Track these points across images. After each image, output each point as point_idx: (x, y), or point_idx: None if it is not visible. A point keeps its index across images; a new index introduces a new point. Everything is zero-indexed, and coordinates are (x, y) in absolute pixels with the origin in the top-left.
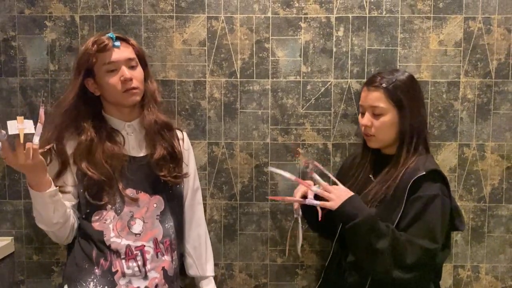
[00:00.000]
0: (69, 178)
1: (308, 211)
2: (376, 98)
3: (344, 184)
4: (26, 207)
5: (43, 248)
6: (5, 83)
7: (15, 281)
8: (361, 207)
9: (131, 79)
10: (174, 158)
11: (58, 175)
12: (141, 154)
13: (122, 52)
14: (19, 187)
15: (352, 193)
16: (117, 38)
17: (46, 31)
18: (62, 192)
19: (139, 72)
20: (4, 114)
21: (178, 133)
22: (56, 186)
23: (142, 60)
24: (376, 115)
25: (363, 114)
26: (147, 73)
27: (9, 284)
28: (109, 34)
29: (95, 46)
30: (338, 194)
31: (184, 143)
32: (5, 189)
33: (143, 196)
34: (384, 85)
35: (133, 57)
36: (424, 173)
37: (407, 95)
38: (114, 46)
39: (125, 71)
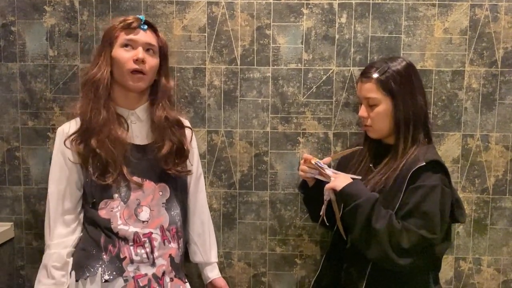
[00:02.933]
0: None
1: (310, 202)
2: (368, 89)
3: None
4: (26, 193)
5: (43, 234)
6: (5, 68)
7: (15, 267)
8: (364, 189)
9: (143, 62)
10: (181, 155)
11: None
12: (145, 143)
13: (145, 36)
14: (19, 173)
15: (355, 177)
16: (147, 23)
17: (46, 16)
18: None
19: (154, 61)
20: (3, 100)
21: (187, 130)
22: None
23: (163, 54)
24: (371, 106)
25: (361, 105)
26: (166, 70)
27: (9, 269)
28: (140, 16)
29: (122, 23)
30: (343, 177)
31: (192, 141)
32: (4, 175)
33: (148, 184)
34: (375, 75)
35: (154, 44)
36: (424, 163)
37: (400, 85)
38: (140, 27)
39: (141, 52)
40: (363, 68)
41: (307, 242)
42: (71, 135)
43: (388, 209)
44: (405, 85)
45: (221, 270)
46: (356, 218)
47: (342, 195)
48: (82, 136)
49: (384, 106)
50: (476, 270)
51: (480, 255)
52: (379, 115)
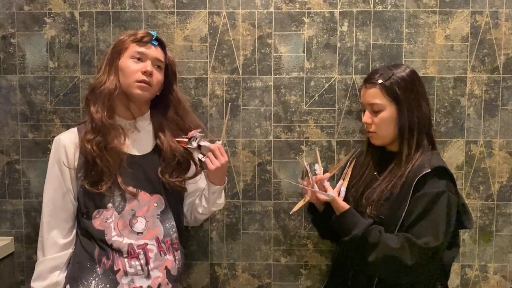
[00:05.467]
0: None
1: (319, 221)
2: (373, 94)
3: (349, 182)
4: (26, 207)
5: None
6: (4, 80)
7: (15, 281)
8: (349, 224)
9: (151, 75)
10: (181, 167)
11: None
12: (141, 153)
13: (155, 51)
14: (19, 186)
15: (344, 209)
16: (157, 40)
17: (46, 27)
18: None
19: (160, 76)
20: (3, 112)
21: None
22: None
23: (172, 71)
24: (375, 112)
25: (364, 112)
26: (177, 86)
27: (9, 284)
28: (152, 31)
29: (133, 36)
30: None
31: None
32: (4, 188)
33: (143, 195)
34: (380, 81)
35: (162, 61)
36: (430, 170)
37: (404, 91)
38: (151, 42)
39: (149, 65)
40: (365, 76)
41: (312, 252)
42: (88, 138)
43: (394, 220)
44: (409, 91)
45: (225, 281)
46: (349, 252)
47: (333, 227)
48: (95, 139)
49: (389, 112)
50: (483, 278)
51: (486, 262)
52: (384, 121)
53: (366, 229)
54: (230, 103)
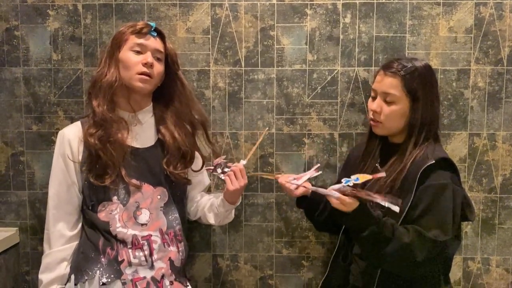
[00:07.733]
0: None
1: (311, 210)
2: (391, 84)
3: (352, 174)
4: (30, 198)
5: None
6: (8, 73)
7: (20, 272)
8: (366, 221)
9: (151, 66)
10: (185, 158)
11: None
12: (144, 146)
13: (154, 42)
14: (24, 178)
15: (355, 206)
16: (156, 31)
17: (49, 20)
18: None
19: (160, 67)
20: (7, 105)
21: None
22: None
23: (171, 61)
24: (387, 102)
25: (374, 98)
26: (180, 76)
27: (15, 275)
28: (151, 23)
29: (133, 27)
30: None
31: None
32: (9, 180)
33: (147, 188)
34: (402, 72)
35: (162, 52)
36: (434, 161)
37: (423, 87)
38: (150, 33)
39: (149, 57)
40: (369, 68)
41: (314, 244)
42: (90, 132)
43: (394, 216)
44: (427, 89)
45: (227, 273)
46: (363, 249)
47: (346, 222)
48: (97, 133)
49: (402, 105)
50: (485, 270)
51: (489, 255)
52: (395, 113)
53: (381, 223)
54: (267, 128)
